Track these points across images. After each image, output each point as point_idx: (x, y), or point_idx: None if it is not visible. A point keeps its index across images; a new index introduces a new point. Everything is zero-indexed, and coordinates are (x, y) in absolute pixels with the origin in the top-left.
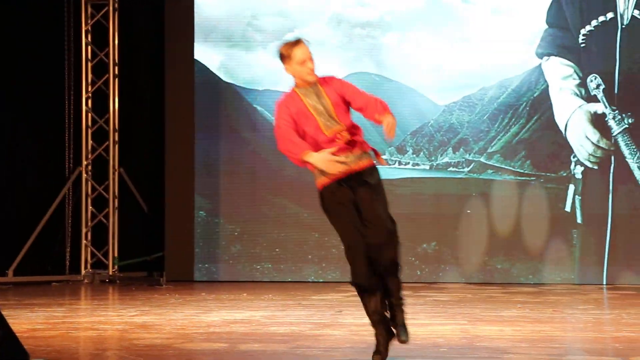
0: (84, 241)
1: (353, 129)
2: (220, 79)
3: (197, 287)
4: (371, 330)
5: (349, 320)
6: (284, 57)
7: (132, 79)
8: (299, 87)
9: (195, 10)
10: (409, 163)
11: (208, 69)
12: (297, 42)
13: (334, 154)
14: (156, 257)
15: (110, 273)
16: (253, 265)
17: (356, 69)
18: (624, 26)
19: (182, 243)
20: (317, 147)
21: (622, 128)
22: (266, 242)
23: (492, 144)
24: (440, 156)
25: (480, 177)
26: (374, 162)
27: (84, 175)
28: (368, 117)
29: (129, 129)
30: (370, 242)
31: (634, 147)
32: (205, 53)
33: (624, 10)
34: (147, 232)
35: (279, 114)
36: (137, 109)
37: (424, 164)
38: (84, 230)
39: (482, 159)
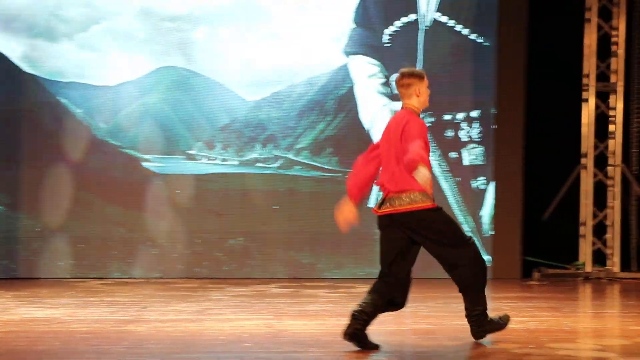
0: None
1: None
2: (21, 69)
3: None
4: (175, 327)
5: (154, 317)
6: (422, 76)
7: None
8: (417, 112)
9: None
10: (217, 158)
11: (8, 59)
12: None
13: None
14: None
15: None
16: (55, 261)
17: (165, 63)
18: (425, 27)
19: None
20: None
21: None
22: (69, 238)
23: (300, 140)
24: (249, 152)
25: (289, 173)
26: None
27: None
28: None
29: None
30: None
31: (434, 145)
32: (5, 42)
33: (425, 12)
34: None
35: (425, 132)
36: None
37: (232, 160)
38: None
39: (290, 155)
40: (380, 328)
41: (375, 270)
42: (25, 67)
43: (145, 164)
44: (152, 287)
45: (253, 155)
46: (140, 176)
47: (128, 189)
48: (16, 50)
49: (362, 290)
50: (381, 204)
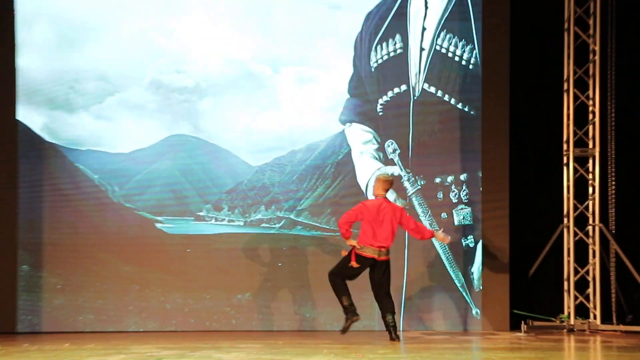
0: None
1: None
2: (43, 139)
3: (19, 338)
4: None
5: None
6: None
7: None
8: None
9: (18, 73)
10: (224, 219)
11: (31, 129)
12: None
13: None
14: None
15: None
16: (76, 316)
17: (174, 131)
18: (415, 98)
19: (4, 296)
20: None
21: (416, 189)
22: (88, 294)
23: (301, 202)
24: (254, 213)
25: (291, 232)
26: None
27: None
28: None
29: None
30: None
31: (426, 206)
32: (28, 114)
33: (415, 84)
34: None
35: None
36: None
37: (238, 221)
38: None
39: (292, 216)
40: None
41: (373, 323)
42: (46, 137)
43: (158, 225)
44: (166, 339)
45: (258, 216)
46: (154, 236)
47: (142, 249)
48: (37, 122)
49: (362, 342)
50: (379, 253)
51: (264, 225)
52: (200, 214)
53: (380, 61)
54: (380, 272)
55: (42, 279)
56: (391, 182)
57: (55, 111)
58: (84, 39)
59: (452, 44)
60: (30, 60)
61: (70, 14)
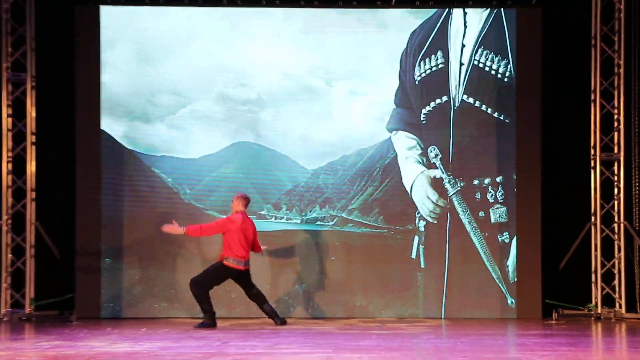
0: (3, 284)
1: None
2: (123, 146)
3: (103, 323)
4: (252, 358)
5: (233, 350)
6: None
7: (47, 146)
8: None
9: (102, 87)
10: (283, 218)
11: (113, 138)
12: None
13: None
14: (67, 297)
15: (27, 312)
16: (151, 304)
17: (239, 139)
18: (455, 108)
19: (90, 285)
20: None
21: (456, 190)
22: (163, 284)
23: (352, 202)
24: (310, 212)
25: (343, 229)
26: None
27: (4, 227)
28: None
29: (44, 188)
30: None
31: (465, 205)
32: (110, 124)
33: (455, 95)
34: (59, 276)
35: None
36: (52, 172)
37: (295, 219)
38: (3, 275)
39: (344, 215)
40: None
41: (417, 310)
42: (126, 144)
43: None
44: (231, 325)
45: (313, 214)
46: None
47: (211, 244)
48: (118, 131)
49: (407, 326)
50: (245, 264)
51: (318, 223)
52: (262, 212)
53: (423, 75)
54: (246, 279)
55: (123, 270)
56: (249, 201)
57: (134, 121)
58: (159, 57)
59: (489, 59)
60: (112, 77)
61: (147, 36)
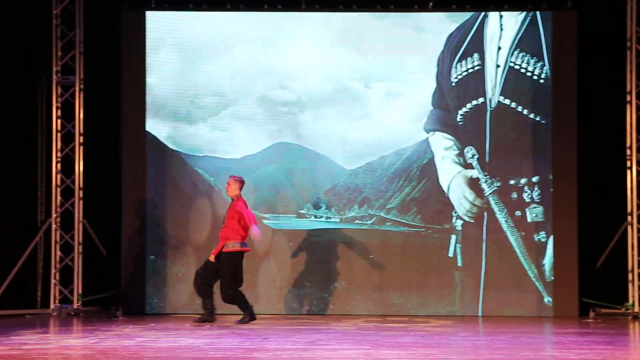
0: (53, 280)
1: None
2: (167, 147)
3: (147, 318)
4: (291, 355)
5: (273, 346)
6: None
7: (95, 146)
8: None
9: (147, 90)
10: (322, 217)
11: (157, 138)
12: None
13: None
14: (114, 293)
15: (75, 307)
16: (194, 300)
17: (279, 140)
18: (491, 109)
19: (135, 282)
20: None
21: (492, 190)
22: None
23: (390, 201)
24: (348, 211)
25: (381, 228)
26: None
27: (54, 225)
28: None
29: (92, 187)
30: None
31: (501, 205)
32: (155, 125)
33: (491, 96)
34: (106, 273)
35: None
36: (99, 171)
37: (334, 218)
38: (53, 271)
39: (382, 214)
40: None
41: (455, 308)
42: (170, 145)
43: (265, 222)
44: (272, 321)
45: (352, 213)
46: (261, 231)
47: (251, 242)
48: (163, 132)
49: (444, 324)
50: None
51: (357, 221)
52: (302, 211)
53: (460, 77)
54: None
55: (166, 268)
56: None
57: (178, 122)
58: (202, 60)
59: (525, 61)
60: (157, 79)
61: (190, 40)
